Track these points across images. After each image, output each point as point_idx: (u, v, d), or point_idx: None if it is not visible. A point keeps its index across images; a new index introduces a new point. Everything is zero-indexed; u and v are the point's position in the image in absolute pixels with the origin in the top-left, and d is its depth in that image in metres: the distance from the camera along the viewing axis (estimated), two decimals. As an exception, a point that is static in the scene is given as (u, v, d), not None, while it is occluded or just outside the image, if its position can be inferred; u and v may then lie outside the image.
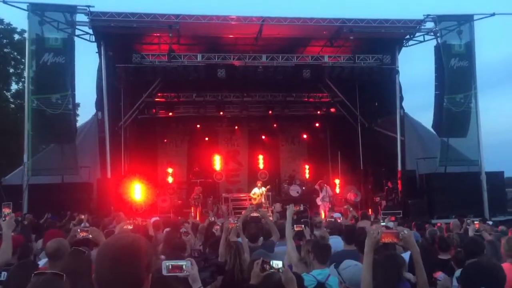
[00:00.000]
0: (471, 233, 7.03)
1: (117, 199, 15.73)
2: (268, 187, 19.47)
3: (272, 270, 3.21)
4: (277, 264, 3.22)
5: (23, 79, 25.20)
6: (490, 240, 6.22)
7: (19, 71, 27.14)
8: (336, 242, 6.54)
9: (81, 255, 3.59)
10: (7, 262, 4.53)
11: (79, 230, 4.78)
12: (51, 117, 15.15)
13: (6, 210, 4.83)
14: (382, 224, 7.03)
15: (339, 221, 9.09)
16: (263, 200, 18.94)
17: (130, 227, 6.23)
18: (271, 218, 10.09)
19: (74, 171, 15.20)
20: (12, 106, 27.72)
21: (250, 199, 19.29)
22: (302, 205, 11.61)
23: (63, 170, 15.10)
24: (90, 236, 4.54)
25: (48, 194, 14.30)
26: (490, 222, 11.05)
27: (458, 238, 6.31)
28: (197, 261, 4.49)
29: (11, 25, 26.79)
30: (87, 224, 8.25)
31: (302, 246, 5.24)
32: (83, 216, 10.12)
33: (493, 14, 16.84)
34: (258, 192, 18.95)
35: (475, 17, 17.30)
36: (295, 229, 6.17)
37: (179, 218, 14.08)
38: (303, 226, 6.37)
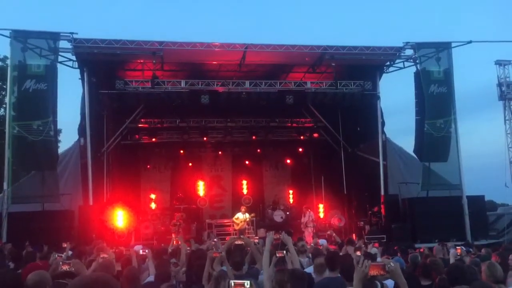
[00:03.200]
0: (452, 259, 7.04)
1: (99, 226, 15.49)
2: (252, 214, 19.39)
3: None
4: (247, 283, 3.21)
5: (4, 105, 24.92)
6: (469, 266, 6.24)
7: (0, 97, 26.86)
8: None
9: (63, 288, 3.53)
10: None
11: (61, 262, 4.69)
12: (32, 143, 14.94)
13: None
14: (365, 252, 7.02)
15: (320, 248, 9.03)
16: (246, 226, 18.83)
17: (105, 255, 6.16)
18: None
19: (55, 198, 14.94)
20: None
21: (233, 224, 19.18)
22: (284, 232, 11.50)
23: (44, 198, 14.82)
24: (73, 269, 4.47)
25: (28, 222, 14.00)
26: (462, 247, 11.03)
27: (442, 264, 6.32)
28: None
29: (-6, 51, 26.64)
30: (70, 253, 8.11)
31: (274, 275, 5.13)
32: (65, 245, 9.92)
33: (470, 42, 17.31)
34: (241, 217, 18.82)
35: (453, 45, 17.75)
36: (277, 255, 6.09)
37: (162, 245, 13.91)
38: (284, 252, 6.29)
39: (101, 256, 5.98)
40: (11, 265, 7.86)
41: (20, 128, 14.93)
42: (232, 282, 3.23)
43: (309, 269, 6.33)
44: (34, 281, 3.99)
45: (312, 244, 11.26)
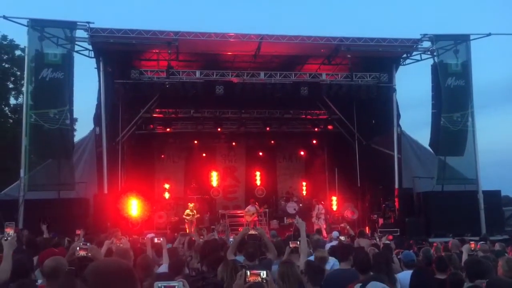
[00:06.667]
0: (465, 254, 6.95)
1: (113, 215, 15.65)
2: (265, 206, 19.51)
3: (257, 280, 3.17)
4: (263, 273, 3.19)
5: (22, 94, 25.22)
6: (486, 261, 6.17)
7: (19, 85, 27.19)
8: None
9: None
10: (4, 281, 4.48)
11: (78, 248, 4.74)
12: (49, 132, 15.11)
13: (9, 230, 4.80)
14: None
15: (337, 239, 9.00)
16: (255, 219, 18.96)
17: (120, 244, 6.21)
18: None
19: (71, 186, 15.11)
20: (10, 121, 27.69)
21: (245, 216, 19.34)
22: (297, 217, 11.47)
23: (59, 186, 15.00)
24: (89, 254, 4.51)
25: (44, 210, 14.15)
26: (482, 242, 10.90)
27: (457, 258, 6.27)
28: (195, 280, 4.47)
29: (14, 41, 26.96)
30: (83, 240, 8.19)
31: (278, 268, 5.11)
32: (79, 232, 10.01)
33: (489, 34, 17.02)
34: (252, 210, 18.96)
35: (472, 37, 17.47)
36: (291, 246, 6.08)
37: (175, 234, 13.99)
38: (298, 243, 6.28)
39: (115, 242, 6.03)
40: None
41: (37, 116, 15.09)
42: (248, 272, 3.22)
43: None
44: (50, 267, 4.03)
45: (328, 241, 11.19)
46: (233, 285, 4.19)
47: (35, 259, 6.22)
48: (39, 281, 4.75)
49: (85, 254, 4.52)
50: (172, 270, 5.26)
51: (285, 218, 20.18)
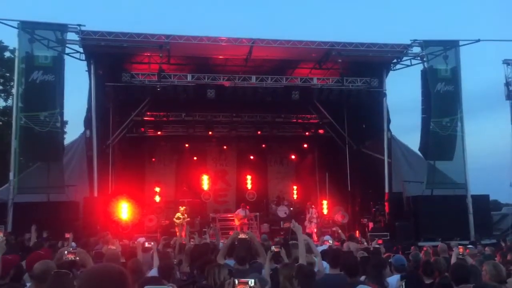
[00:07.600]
0: (454, 258, 7.03)
1: (103, 218, 15.56)
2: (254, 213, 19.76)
3: None
4: (251, 282, 3.20)
5: (11, 96, 25.04)
6: (473, 265, 6.24)
7: (8, 87, 27.00)
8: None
9: (66, 277, 3.55)
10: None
11: (66, 252, 4.73)
12: (39, 134, 15.01)
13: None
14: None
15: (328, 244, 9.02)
16: (246, 221, 19.02)
17: (113, 247, 6.19)
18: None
19: (61, 189, 15.00)
20: (0, 123, 27.46)
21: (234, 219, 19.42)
22: (294, 220, 11.48)
23: (49, 189, 14.89)
24: (77, 258, 4.50)
25: (33, 213, 14.04)
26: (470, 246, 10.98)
27: (444, 263, 6.32)
28: (185, 285, 4.48)
29: (3, 43, 26.78)
30: (74, 244, 8.16)
31: (278, 271, 5.13)
32: (68, 235, 9.94)
33: (478, 40, 17.20)
34: (242, 213, 19.03)
35: (461, 43, 17.65)
36: (274, 249, 6.06)
37: (165, 237, 13.94)
38: (280, 247, 6.27)
39: (109, 247, 6.01)
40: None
41: (27, 119, 14.99)
42: (236, 280, 3.22)
43: None
44: (40, 270, 4.03)
45: (319, 244, 11.21)
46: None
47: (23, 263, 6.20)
48: (28, 284, 4.73)
49: (73, 258, 4.51)
50: (161, 274, 5.25)
51: (281, 222, 20.23)
